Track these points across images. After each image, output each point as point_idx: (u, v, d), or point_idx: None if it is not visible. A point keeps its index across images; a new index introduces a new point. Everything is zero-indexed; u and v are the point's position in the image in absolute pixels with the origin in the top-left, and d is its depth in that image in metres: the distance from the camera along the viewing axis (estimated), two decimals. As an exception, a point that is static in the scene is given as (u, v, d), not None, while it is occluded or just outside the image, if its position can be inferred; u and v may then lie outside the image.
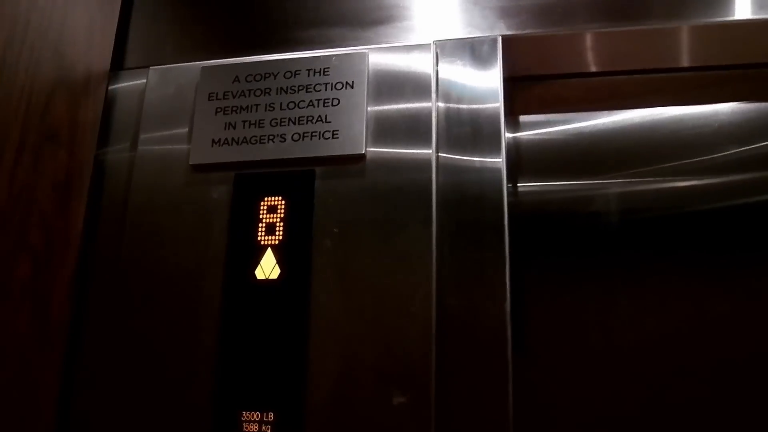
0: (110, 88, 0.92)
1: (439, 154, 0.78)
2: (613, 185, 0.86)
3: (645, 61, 0.85)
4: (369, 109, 0.79)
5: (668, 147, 0.85)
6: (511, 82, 0.86)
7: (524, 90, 0.90)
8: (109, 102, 0.91)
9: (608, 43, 0.85)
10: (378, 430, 0.67)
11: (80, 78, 0.86)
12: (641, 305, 0.80)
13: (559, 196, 0.87)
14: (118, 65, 0.94)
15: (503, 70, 0.81)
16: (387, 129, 0.78)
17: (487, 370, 0.68)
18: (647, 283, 0.81)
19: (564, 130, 0.89)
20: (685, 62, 0.85)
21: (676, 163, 0.85)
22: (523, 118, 0.91)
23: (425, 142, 0.77)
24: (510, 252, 0.73)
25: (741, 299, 0.79)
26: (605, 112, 0.88)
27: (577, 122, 0.89)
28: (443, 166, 0.77)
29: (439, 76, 0.82)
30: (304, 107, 0.80)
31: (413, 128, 0.77)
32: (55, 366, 0.77)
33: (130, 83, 0.92)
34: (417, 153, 0.76)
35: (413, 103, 0.79)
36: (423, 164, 0.76)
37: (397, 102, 0.79)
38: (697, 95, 0.83)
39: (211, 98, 0.84)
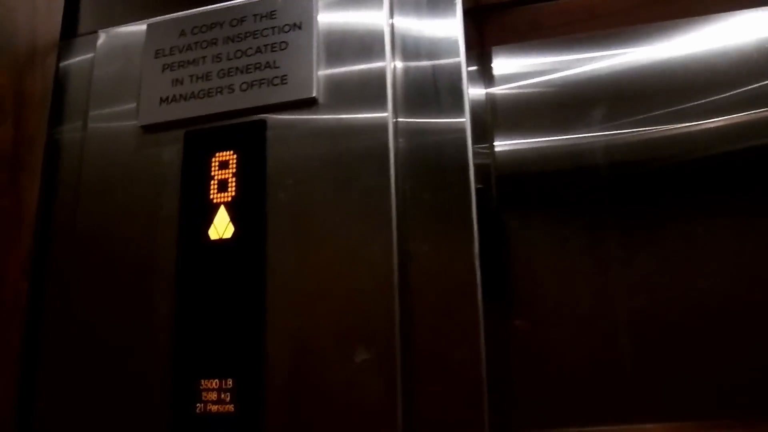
0: (63, 63, 0.87)
1: (397, 96, 0.71)
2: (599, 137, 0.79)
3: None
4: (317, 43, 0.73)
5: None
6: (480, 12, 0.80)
7: (496, 19, 0.82)
8: (63, 76, 0.87)
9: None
10: (341, 391, 0.62)
11: (23, 49, 0.82)
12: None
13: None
14: (72, 32, 0.90)
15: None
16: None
17: (456, 319, 0.61)
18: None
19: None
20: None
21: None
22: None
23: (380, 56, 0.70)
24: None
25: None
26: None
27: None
28: (403, 101, 0.71)
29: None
30: (251, 54, 0.75)
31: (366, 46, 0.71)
32: (13, 344, 0.73)
33: (83, 56, 0.87)
34: (372, 85, 0.70)
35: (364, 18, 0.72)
36: (379, 98, 0.69)
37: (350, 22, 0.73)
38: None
39: (158, 55, 0.79)
